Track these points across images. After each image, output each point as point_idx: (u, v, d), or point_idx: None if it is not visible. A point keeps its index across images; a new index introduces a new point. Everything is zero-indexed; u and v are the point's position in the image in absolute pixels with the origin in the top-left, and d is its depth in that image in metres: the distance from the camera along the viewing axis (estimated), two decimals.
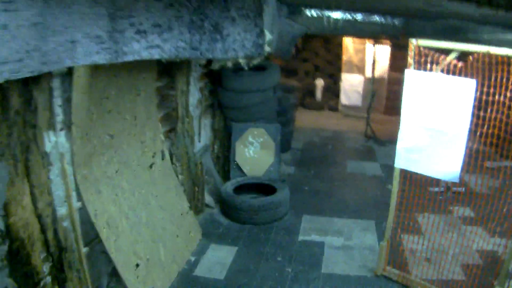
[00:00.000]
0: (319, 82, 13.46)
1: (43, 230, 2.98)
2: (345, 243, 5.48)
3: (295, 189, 6.91)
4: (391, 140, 10.09)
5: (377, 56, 11.01)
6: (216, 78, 6.89)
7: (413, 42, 4.07)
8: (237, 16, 2.84)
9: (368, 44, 11.77)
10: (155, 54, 3.02)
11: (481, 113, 3.93)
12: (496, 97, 3.81)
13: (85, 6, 2.55)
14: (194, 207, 5.77)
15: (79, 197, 3.53)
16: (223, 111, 7.11)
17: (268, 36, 3.05)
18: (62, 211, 3.32)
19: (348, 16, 9.70)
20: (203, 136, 6.69)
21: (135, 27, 2.81)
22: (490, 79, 3.78)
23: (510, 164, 4.50)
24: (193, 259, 4.97)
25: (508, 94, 3.72)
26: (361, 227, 5.90)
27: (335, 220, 6.11)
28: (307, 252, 5.25)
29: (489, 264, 4.68)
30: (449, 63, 3.91)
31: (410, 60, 4.11)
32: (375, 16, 8.86)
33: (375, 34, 10.08)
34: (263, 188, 6.57)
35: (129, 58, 2.95)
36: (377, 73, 11.52)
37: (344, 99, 12.54)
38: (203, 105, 6.73)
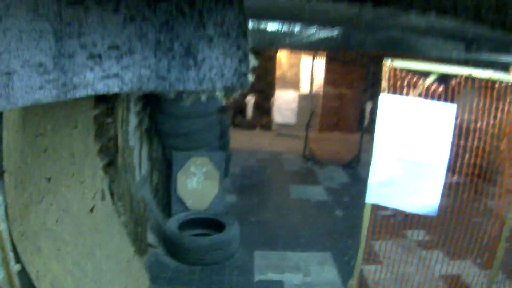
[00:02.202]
0: (250, 100, 13.11)
1: None
2: (304, 280, 5.13)
3: (241, 220, 6.43)
4: (331, 161, 10.09)
5: (315, 70, 10.78)
6: (153, 100, 6.31)
7: (388, 64, 3.80)
8: (215, 35, 2.20)
9: (303, 58, 11.51)
10: (114, 87, 2.26)
11: (462, 142, 3.75)
12: (478, 124, 3.66)
13: (24, 20, 1.83)
14: (138, 249, 5.14)
15: (17, 258, 2.88)
16: (162, 138, 6.53)
17: (252, 61, 2.46)
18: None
19: (285, 28, 9.43)
20: (142, 167, 6.09)
21: (88, 49, 2.10)
22: (472, 104, 3.62)
23: (459, 180, 4.36)
24: None
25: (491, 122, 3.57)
26: (317, 261, 5.59)
27: (289, 255, 5.75)
28: None
29: None
30: (428, 87, 3.71)
31: (384, 83, 3.83)
32: (313, 27, 8.66)
33: (313, 47, 9.95)
34: (210, 222, 6.07)
35: (81, 93, 2.18)
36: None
37: (277, 117, 12.21)
38: (141, 132, 6.14)
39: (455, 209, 4.21)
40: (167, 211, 6.55)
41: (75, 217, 3.82)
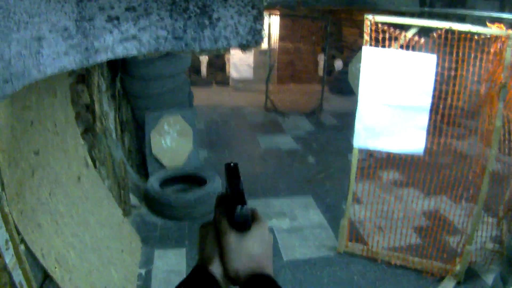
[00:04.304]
0: (204, 58, 12.97)
1: None
2: (292, 224, 5.35)
3: (218, 174, 6.54)
4: (293, 111, 10.23)
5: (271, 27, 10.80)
6: (117, 63, 6.14)
7: (370, 18, 3.90)
8: None
9: None
10: (132, 49, 2.20)
11: (444, 87, 3.94)
12: (459, 71, 3.84)
13: None
14: (123, 211, 5.15)
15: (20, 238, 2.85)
16: (131, 100, 6.41)
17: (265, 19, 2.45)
18: (7, 258, 2.63)
19: None
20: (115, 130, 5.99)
21: (106, 12, 2.04)
22: (451, 55, 3.79)
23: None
24: (143, 272, 4.43)
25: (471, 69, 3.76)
26: (300, 205, 5.81)
27: (272, 201, 5.94)
28: None
29: (437, 223, 4.86)
30: (409, 39, 3.85)
31: (366, 36, 3.95)
32: None
33: (270, 5, 9.86)
34: (189, 178, 6.13)
35: (102, 57, 2.12)
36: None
37: (234, 73, 12.25)
38: (109, 96, 6.00)
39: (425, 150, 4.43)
40: (142, 171, 6.54)
41: (65, 187, 3.78)
